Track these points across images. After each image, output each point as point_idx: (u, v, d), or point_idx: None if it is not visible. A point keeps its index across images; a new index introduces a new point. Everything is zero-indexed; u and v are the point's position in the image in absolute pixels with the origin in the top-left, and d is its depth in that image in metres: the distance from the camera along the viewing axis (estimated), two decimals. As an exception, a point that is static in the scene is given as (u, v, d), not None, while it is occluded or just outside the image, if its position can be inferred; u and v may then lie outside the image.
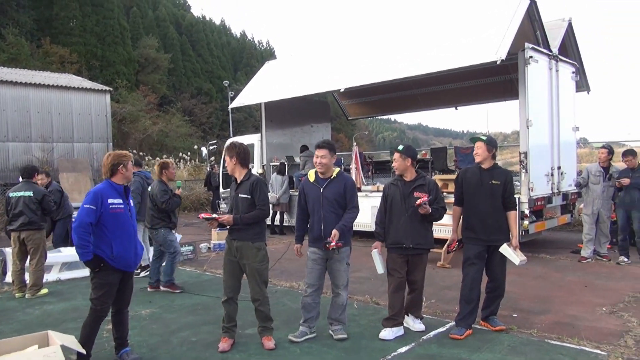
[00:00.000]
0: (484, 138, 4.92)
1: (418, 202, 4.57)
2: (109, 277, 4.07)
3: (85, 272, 5.58)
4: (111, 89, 20.73)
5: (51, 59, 34.69)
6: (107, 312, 4.15)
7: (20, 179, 7.07)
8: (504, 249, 4.72)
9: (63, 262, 7.74)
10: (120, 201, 4.11)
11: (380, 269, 4.86)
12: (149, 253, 7.65)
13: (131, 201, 4.34)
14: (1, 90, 16.49)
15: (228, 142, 4.67)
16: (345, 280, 4.73)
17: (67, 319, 5.58)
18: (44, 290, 6.83)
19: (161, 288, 6.80)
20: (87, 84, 20.05)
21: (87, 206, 3.96)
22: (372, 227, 5.08)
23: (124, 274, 4.19)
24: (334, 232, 4.48)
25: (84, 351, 3.94)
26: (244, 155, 4.63)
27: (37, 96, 17.23)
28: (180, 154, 25.54)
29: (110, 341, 4.45)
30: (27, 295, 6.67)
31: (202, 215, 4.63)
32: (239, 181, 4.58)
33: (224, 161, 4.59)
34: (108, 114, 19.34)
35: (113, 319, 4.31)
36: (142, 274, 7.62)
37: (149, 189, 6.84)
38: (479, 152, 4.84)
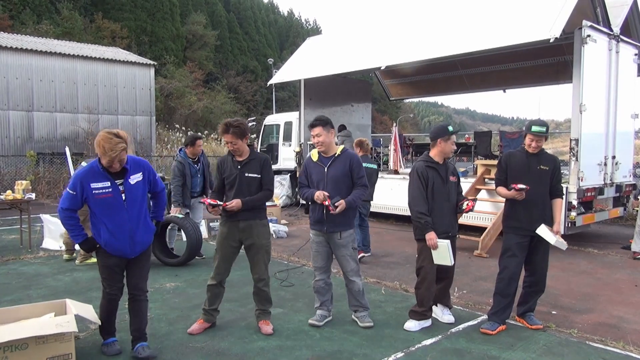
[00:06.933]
0: (544, 130, 4.43)
1: (466, 208, 4.42)
2: (106, 260, 3.73)
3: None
4: (155, 63, 21.00)
5: (103, 33, 35.53)
6: (116, 294, 3.85)
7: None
8: (541, 229, 4.32)
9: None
10: (107, 184, 3.54)
11: (451, 259, 4.36)
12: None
13: (134, 179, 3.68)
14: (51, 61, 16.94)
15: (225, 121, 4.42)
16: (353, 265, 4.45)
17: (93, 288, 5.61)
18: (94, 259, 6.90)
19: None
20: (133, 57, 20.35)
21: (68, 190, 3.58)
22: (408, 211, 4.74)
23: (128, 260, 3.78)
24: (341, 202, 4.20)
25: (98, 322, 3.88)
26: (246, 134, 4.41)
27: (84, 68, 17.64)
28: (222, 131, 25.70)
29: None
30: (76, 261, 6.86)
31: (208, 200, 4.21)
32: (242, 159, 4.35)
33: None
34: (152, 88, 19.63)
35: (128, 306, 3.92)
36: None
37: None
38: (541, 144, 4.42)
